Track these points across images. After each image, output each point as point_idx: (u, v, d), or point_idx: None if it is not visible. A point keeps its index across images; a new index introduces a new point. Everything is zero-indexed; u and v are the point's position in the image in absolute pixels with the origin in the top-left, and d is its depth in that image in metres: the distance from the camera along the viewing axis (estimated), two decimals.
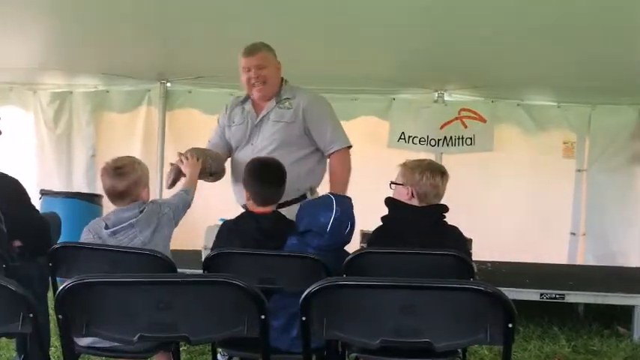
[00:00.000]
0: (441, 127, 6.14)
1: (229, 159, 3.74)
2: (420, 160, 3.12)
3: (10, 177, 2.73)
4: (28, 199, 2.85)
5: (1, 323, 1.80)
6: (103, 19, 4.56)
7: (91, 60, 5.68)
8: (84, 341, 2.33)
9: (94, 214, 5.31)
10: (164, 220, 2.95)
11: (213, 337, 1.83)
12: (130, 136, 6.52)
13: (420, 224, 2.86)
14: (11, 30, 4.99)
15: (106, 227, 2.81)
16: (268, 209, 2.95)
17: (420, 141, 6.17)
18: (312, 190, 3.57)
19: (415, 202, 2.93)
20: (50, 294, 2.76)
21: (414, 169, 2.97)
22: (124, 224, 2.80)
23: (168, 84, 6.39)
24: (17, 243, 2.83)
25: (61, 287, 1.65)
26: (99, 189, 5.38)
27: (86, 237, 2.85)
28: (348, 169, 3.62)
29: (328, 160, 3.66)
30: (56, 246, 2.62)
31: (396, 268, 2.52)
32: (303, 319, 1.75)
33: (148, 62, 5.72)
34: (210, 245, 4.49)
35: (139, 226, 2.83)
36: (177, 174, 3.42)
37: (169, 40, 5.09)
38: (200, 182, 3.41)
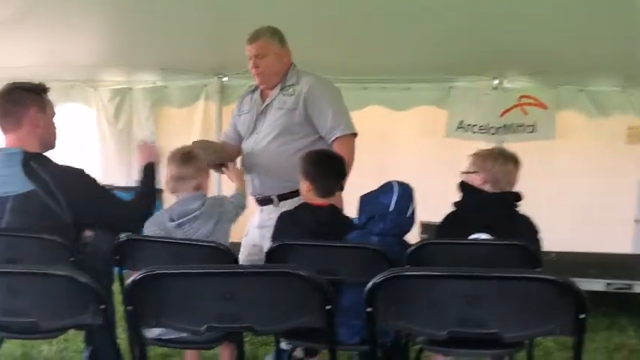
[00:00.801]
0: (501, 115, 6.02)
1: None
2: (491, 149, 3.13)
3: (74, 168, 2.77)
4: (98, 187, 2.89)
5: (71, 315, 1.85)
6: (161, 15, 4.63)
7: (150, 56, 5.77)
8: (152, 332, 2.40)
9: (155, 208, 5.41)
10: (226, 214, 3.02)
11: (278, 328, 1.83)
12: (188, 130, 6.59)
13: (491, 210, 2.84)
14: (73, 29, 5.12)
15: (171, 220, 2.87)
16: (326, 202, 2.96)
17: (479, 129, 6.05)
18: None
19: (488, 188, 2.91)
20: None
21: (486, 157, 2.98)
22: (188, 216, 2.86)
23: (225, 78, 6.44)
24: (88, 233, 2.89)
25: (131, 279, 1.68)
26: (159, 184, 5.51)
27: (151, 230, 2.92)
28: (349, 159, 3.35)
29: None
30: (122, 239, 2.67)
31: (461, 258, 2.49)
32: (369, 309, 1.74)
33: (204, 57, 5.77)
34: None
35: (202, 218, 2.88)
36: None
37: (225, 35, 5.14)
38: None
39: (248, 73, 5.62)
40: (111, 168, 6.58)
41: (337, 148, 3.40)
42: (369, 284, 1.71)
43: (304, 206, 2.97)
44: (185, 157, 2.98)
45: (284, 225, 2.96)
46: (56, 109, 2.91)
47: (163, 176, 3.09)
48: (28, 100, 2.77)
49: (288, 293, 1.76)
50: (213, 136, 6.41)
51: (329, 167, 2.98)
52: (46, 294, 1.84)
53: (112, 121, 6.66)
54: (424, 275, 1.73)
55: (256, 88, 3.69)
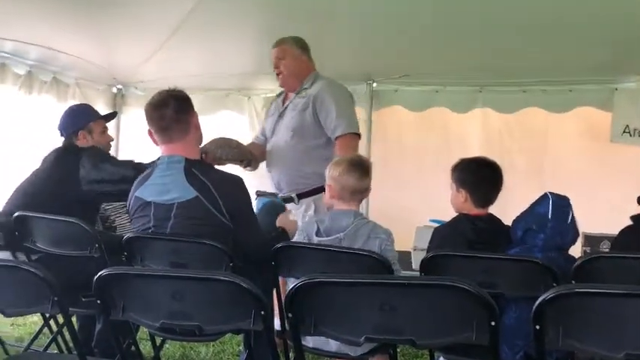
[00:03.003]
0: None
1: None
2: None
3: (234, 175, 2.86)
4: (248, 197, 2.98)
5: (233, 320, 1.90)
6: (311, 22, 4.72)
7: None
8: (309, 341, 2.43)
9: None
10: (374, 242, 2.82)
11: (439, 342, 1.78)
12: None
13: None
14: (228, 39, 5.35)
15: (317, 233, 2.87)
16: (484, 211, 2.87)
17: None
18: None
19: None
20: None
21: None
22: (334, 236, 2.82)
23: (374, 84, 6.46)
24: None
25: (292, 286, 1.71)
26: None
27: (298, 237, 2.95)
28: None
29: None
30: (279, 245, 2.73)
31: (636, 275, 2.32)
32: (537, 327, 1.65)
33: (354, 63, 5.81)
34: (421, 246, 4.49)
35: (347, 241, 2.82)
36: None
37: (374, 41, 5.15)
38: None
39: (398, 78, 5.65)
40: (265, 175, 6.76)
41: (339, 147, 3.69)
42: (538, 300, 1.62)
43: (462, 217, 2.89)
44: (366, 169, 2.94)
45: (440, 236, 2.90)
46: (211, 117, 3.03)
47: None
48: (190, 107, 2.88)
49: (451, 307, 1.70)
50: (363, 143, 6.44)
51: (491, 177, 2.89)
52: (210, 299, 1.90)
53: None
54: (602, 293, 1.61)
55: (281, 93, 4.11)
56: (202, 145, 3.31)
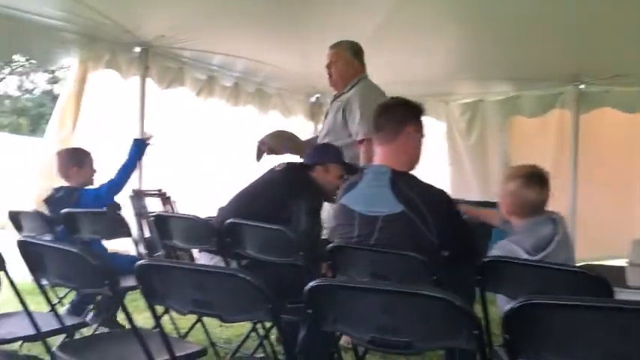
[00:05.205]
0: None
1: None
2: None
3: (438, 189, 2.83)
4: (454, 207, 2.93)
5: (445, 337, 1.86)
6: (513, 24, 4.58)
7: (502, 67, 5.75)
8: None
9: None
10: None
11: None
12: (542, 141, 6.41)
13: None
14: (424, 45, 5.34)
15: (527, 252, 2.75)
16: None
17: None
18: None
19: None
20: None
21: None
22: (550, 247, 2.71)
23: (582, 85, 6.12)
24: (444, 253, 2.94)
25: (510, 306, 1.64)
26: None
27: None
28: (364, 158, 3.88)
29: None
30: (487, 259, 2.64)
31: None
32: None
33: (560, 64, 5.56)
34: (637, 261, 4.14)
35: (560, 250, 2.69)
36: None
37: (583, 40, 4.88)
38: None
39: (609, 79, 5.35)
40: (465, 183, 6.67)
41: (361, 151, 3.97)
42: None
43: None
44: (545, 180, 2.88)
45: None
46: None
47: (500, 193, 3.01)
48: (408, 117, 2.90)
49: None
50: (568, 147, 6.13)
51: None
52: (420, 314, 1.87)
53: (464, 135, 6.75)
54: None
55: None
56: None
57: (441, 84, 6.48)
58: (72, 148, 4.63)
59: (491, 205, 5.66)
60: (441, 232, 2.73)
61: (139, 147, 4.73)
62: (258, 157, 4.33)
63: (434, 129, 6.82)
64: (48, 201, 4.37)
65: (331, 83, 4.37)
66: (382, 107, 2.93)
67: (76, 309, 4.19)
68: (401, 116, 2.88)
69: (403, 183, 2.74)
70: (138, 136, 5.06)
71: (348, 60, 4.28)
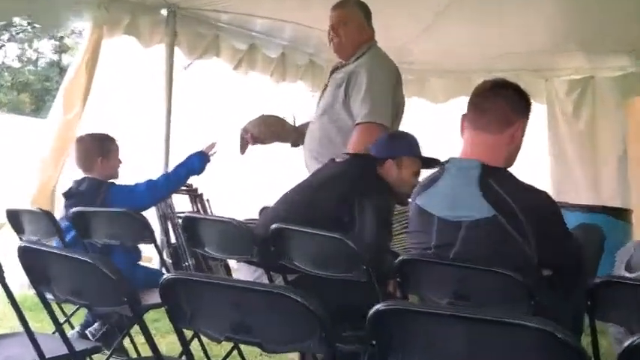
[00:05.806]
0: None
1: None
2: None
3: (540, 191, 2.78)
4: (559, 213, 2.88)
5: None
6: None
7: (618, 36, 5.66)
8: None
9: (624, 233, 5.21)
10: None
11: None
12: None
13: None
14: (511, 9, 5.27)
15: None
16: None
17: None
18: None
19: None
20: None
21: None
22: None
23: None
24: (545, 272, 2.89)
25: (630, 341, 1.61)
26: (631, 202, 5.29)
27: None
28: (355, 147, 3.84)
29: None
30: (598, 280, 2.59)
31: None
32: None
33: None
34: None
35: None
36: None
37: None
38: None
39: None
40: (569, 179, 6.53)
41: (354, 134, 3.93)
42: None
43: None
44: None
45: None
46: None
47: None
48: (522, 109, 2.86)
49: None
50: None
51: None
52: (513, 346, 1.86)
53: (571, 120, 6.62)
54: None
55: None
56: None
57: (539, 56, 6.39)
58: (97, 135, 4.64)
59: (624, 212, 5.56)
60: (542, 244, 2.69)
61: (201, 161, 4.63)
62: (242, 148, 4.38)
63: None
64: (67, 195, 4.44)
65: (337, 49, 4.29)
66: (493, 86, 2.85)
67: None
68: (517, 106, 2.84)
69: (495, 182, 2.69)
70: (201, 148, 4.72)
71: (361, 22, 4.23)
